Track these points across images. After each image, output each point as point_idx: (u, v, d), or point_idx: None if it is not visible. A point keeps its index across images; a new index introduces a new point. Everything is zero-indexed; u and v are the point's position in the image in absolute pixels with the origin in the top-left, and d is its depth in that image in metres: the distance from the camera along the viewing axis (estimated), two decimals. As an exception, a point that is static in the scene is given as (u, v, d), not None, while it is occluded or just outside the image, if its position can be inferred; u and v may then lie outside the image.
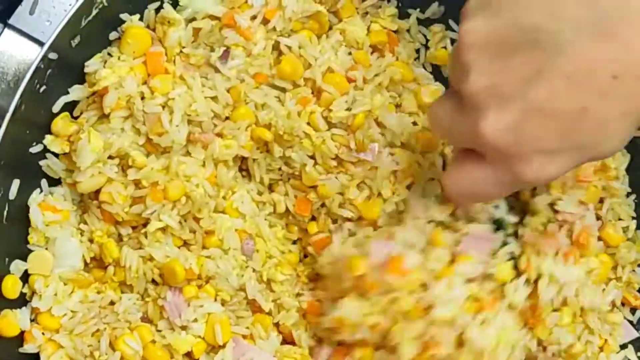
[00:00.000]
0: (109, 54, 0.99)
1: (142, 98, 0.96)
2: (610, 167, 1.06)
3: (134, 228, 1.00)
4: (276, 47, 1.01)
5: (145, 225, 0.98)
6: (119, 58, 0.98)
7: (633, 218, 1.10)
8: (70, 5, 0.95)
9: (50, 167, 0.99)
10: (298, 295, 1.03)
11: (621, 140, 0.75)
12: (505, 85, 0.71)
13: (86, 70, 0.98)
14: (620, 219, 1.09)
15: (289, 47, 1.00)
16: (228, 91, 0.99)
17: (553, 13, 0.69)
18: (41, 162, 0.98)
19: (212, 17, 1.00)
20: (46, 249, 0.98)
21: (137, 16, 1.00)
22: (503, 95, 0.71)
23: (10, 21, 0.95)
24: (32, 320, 0.97)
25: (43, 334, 0.97)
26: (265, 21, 1.01)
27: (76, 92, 0.98)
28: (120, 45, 0.99)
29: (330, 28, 1.05)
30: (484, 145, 0.75)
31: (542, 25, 0.69)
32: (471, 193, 0.83)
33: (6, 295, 0.95)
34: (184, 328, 0.97)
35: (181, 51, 0.99)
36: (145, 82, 0.97)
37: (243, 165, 1.03)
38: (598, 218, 1.08)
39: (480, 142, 0.75)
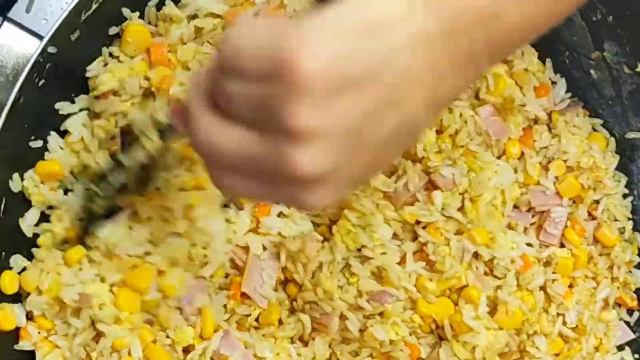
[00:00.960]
0: (110, 53, 0.99)
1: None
2: (600, 168, 1.07)
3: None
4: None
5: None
6: (118, 59, 0.98)
7: (629, 219, 1.10)
8: (67, 3, 0.94)
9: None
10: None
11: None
12: (337, 121, 0.63)
13: (87, 74, 0.98)
14: (616, 220, 1.09)
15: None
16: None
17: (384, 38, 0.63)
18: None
19: (214, 15, 1.00)
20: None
21: (137, 14, 1.00)
22: (334, 133, 0.63)
23: (10, 14, 0.95)
24: (28, 319, 0.97)
25: (39, 332, 0.96)
26: (266, 20, 1.01)
27: (81, 101, 0.98)
28: (120, 44, 0.99)
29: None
30: (286, 179, 0.64)
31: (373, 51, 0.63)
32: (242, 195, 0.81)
33: (4, 291, 0.94)
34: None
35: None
36: (147, 78, 0.97)
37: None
38: (594, 218, 1.08)
39: (283, 175, 0.64)
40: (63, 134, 0.99)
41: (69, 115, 0.99)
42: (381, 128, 0.65)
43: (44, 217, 0.98)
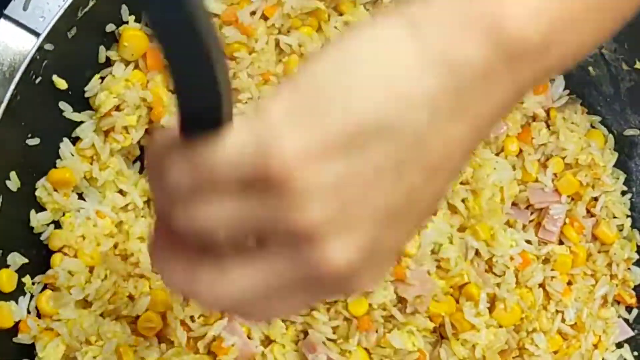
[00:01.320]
0: (107, 58, 0.99)
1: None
2: (598, 165, 1.07)
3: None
4: (276, 44, 1.01)
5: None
6: (111, 73, 0.99)
7: (628, 216, 1.10)
8: (63, 0, 0.94)
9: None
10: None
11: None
12: (354, 209, 0.52)
13: (86, 95, 0.98)
14: (615, 217, 1.09)
15: (290, 45, 1.00)
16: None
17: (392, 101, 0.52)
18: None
19: (212, 15, 0.99)
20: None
21: (133, 17, 0.99)
22: (351, 221, 0.52)
23: (7, 11, 0.94)
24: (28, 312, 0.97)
25: (38, 325, 0.96)
26: (265, 18, 1.00)
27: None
28: (117, 49, 0.99)
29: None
30: (321, 278, 0.54)
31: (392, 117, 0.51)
32: None
33: (1, 289, 0.94)
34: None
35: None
36: (146, 86, 0.98)
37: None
38: (592, 216, 1.08)
39: (318, 280, 0.54)
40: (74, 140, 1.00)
41: (62, 111, 0.98)
42: (399, 196, 0.54)
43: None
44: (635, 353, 1.09)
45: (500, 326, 1.00)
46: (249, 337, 0.98)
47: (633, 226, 1.10)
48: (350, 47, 0.52)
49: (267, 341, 0.99)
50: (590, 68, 1.09)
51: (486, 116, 0.55)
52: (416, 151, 0.52)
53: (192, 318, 0.96)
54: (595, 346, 1.07)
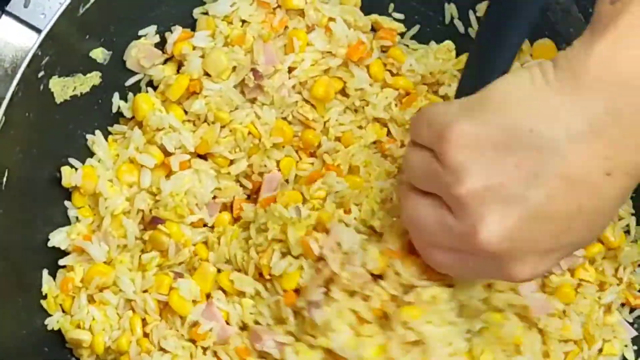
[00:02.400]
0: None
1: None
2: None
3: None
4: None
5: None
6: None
7: (632, 214, 1.09)
8: (65, -3, 0.95)
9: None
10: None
11: (603, 231, 0.80)
12: (504, 187, 0.70)
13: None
14: (621, 218, 1.08)
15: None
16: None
17: (547, 117, 0.69)
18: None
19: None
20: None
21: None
22: (503, 197, 0.70)
23: (8, 8, 0.95)
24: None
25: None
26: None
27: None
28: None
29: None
30: (479, 252, 0.73)
31: (536, 129, 0.69)
32: (451, 272, 0.83)
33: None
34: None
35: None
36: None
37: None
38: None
39: (472, 247, 0.73)
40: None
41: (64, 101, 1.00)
42: (554, 200, 0.70)
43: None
44: (635, 347, 1.08)
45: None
46: (227, 323, 0.99)
47: (638, 223, 1.08)
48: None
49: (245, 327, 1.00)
50: None
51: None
52: (552, 161, 0.69)
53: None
54: (600, 351, 1.05)
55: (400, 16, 1.11)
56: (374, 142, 1.06)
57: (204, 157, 1.04)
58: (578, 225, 0.72)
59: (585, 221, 0.72)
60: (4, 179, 0.95)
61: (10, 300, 0.98)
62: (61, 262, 1.02)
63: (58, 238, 1.02)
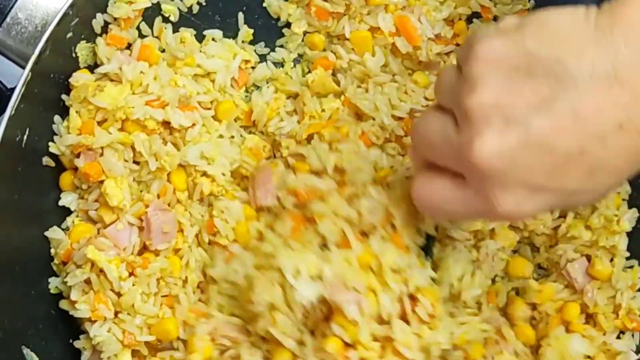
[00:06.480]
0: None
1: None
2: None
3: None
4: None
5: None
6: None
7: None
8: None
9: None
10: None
11: (601, 194, 0.76)
12: (512, 108, 0.70)
13: None
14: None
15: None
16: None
17: (576, 51, 0.69)
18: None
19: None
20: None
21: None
22: (507, 117, 0.70)
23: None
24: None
25: None
26: None
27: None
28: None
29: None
30: (470, 166, 0.72)
31: (563, 60, 0.69)
32: (440, 210, 0.81)
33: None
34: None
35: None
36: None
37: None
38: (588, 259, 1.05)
39: (466, 162, 0.72)
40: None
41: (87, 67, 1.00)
42: (558, 133, 0.69)
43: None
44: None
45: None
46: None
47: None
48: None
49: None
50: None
51: None
52: (569, 93, 0.69)
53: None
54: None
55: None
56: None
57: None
58: (575, 169, 0.71)
59: (583, 167, 0.71)
60: (25, 137, 0.95)
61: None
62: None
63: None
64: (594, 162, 0.70)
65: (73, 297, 0.96)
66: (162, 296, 0.98)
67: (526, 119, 0.69)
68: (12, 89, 0.91)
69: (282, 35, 1.11)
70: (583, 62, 0.68)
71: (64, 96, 0.98)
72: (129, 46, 1.01)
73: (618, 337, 1.04)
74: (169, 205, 0.99)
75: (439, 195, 0.79)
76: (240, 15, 1.09)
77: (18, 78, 0.92)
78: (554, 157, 0.70)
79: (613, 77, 0.68)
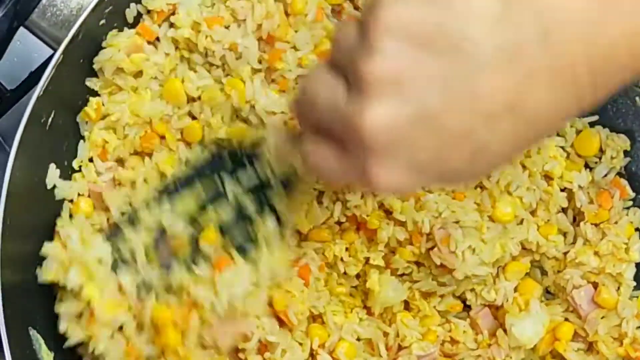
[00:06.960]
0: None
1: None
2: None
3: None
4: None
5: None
6: None
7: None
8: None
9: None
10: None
11: (478, 178, 0.75)
12: (410, 82, 0.65)
13: None
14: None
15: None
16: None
17: (484, 27, 0.65)
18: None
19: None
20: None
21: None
22: (403, 91, 0.65)
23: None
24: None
25: None
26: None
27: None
28: None
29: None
30: (355, 137, 0.68)
31: (469, 36, 0.65)
32: (324, 176, 0.80)
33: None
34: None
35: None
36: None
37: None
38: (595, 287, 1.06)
39: (351, 132, 0.68)
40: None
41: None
42: (450, 113, 0.65)
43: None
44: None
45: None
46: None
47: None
48: None
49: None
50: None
51: (536, 71, 0.65)
52: (471, 74, 0.64)
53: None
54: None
55: None
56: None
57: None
58: (460, 150, 0.68)
59: (468, 149, 0.68)
60: (50, 119, 0.96)
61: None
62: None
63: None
64: (479, 145, 0.67)
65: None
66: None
67: (422, 95, 0.65)
68: (13, 90, 0.92)
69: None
70: (488, 40, 0.65)
71: (89, 82, 0.99)
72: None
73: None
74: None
75: (324, 162, 0.74)
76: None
77: (46, 59, 0.93)
78: (442, 137, 0.67)
79: (515, 54, 0.64)
